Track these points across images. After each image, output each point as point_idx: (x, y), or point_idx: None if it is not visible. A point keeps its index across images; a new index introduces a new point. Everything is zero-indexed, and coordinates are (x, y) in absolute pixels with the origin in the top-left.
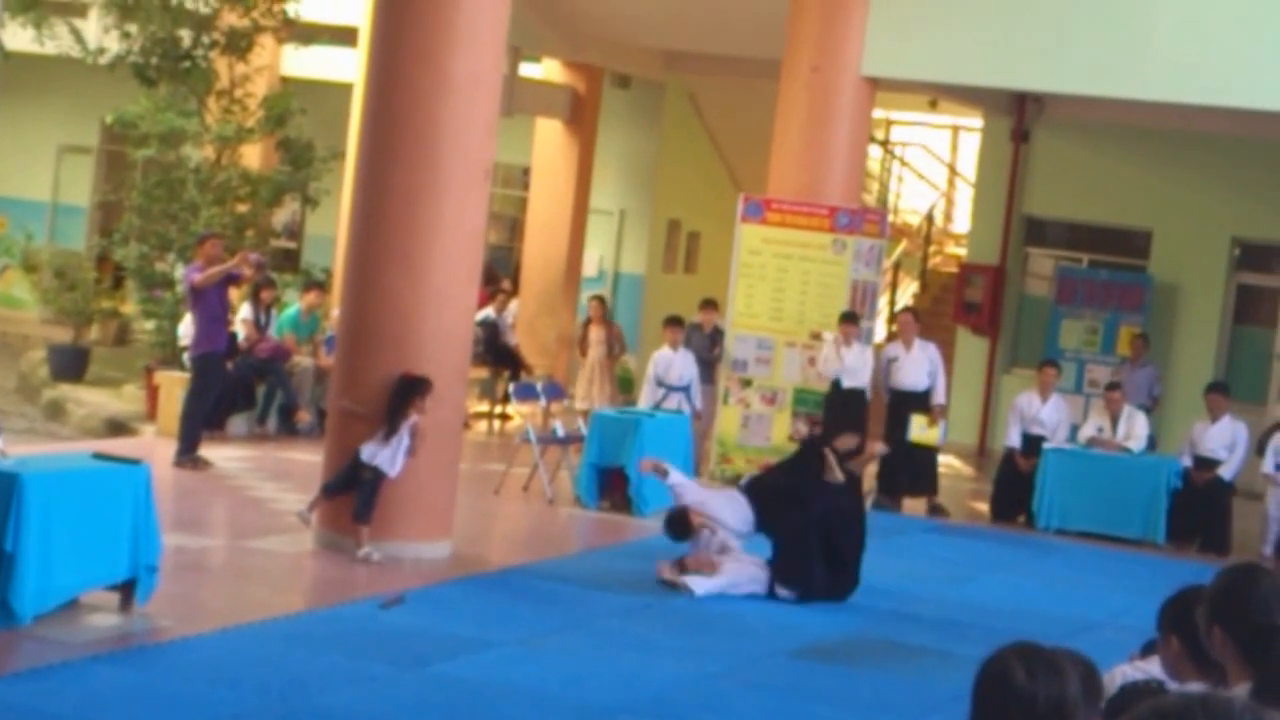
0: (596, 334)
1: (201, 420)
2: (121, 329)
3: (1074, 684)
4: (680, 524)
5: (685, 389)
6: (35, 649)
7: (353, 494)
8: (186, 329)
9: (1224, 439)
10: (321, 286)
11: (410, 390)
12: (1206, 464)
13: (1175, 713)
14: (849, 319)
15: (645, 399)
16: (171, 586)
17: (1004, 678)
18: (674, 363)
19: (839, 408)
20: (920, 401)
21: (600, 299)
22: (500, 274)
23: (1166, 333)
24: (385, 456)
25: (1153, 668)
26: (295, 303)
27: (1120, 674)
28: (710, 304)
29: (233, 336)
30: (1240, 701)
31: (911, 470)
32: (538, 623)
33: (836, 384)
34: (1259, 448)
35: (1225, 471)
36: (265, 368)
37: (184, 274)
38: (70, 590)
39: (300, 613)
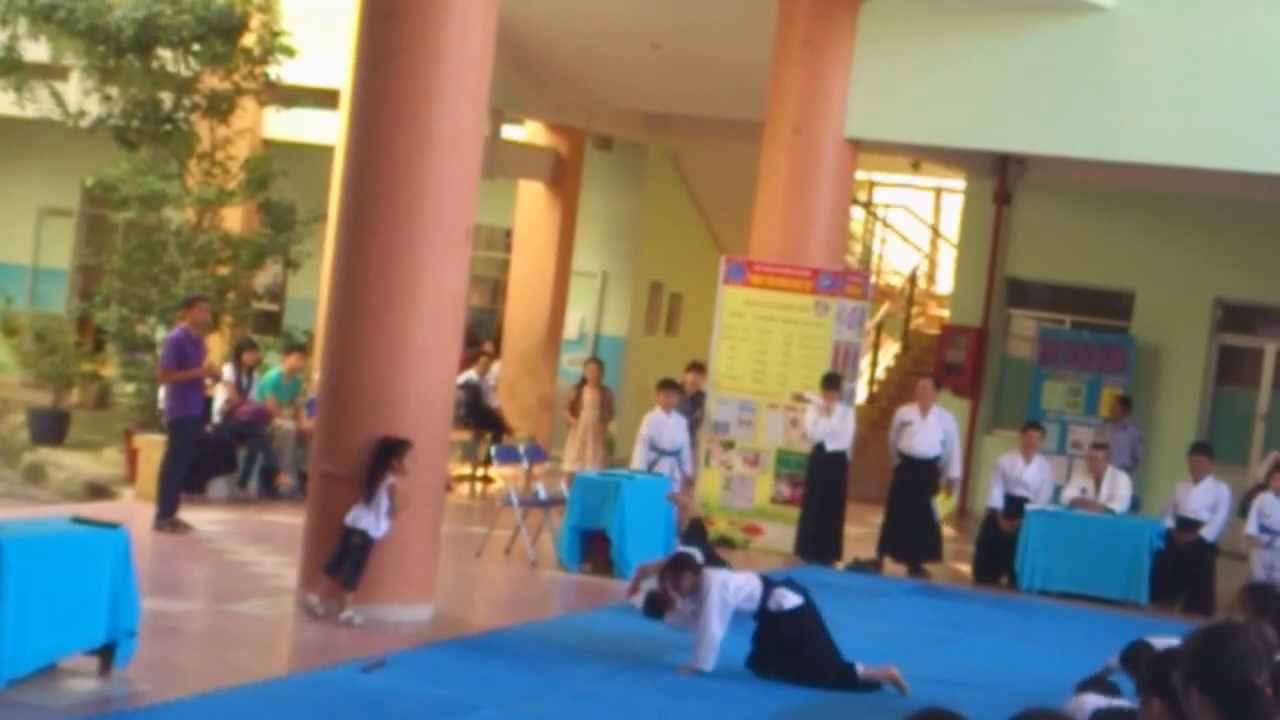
0: (591, 397)
1: (179, 483)
2: (102, 392)
3: None
4: (659, 604)
5: (676, 453)
6: (12, 714)
7: (345, 564)
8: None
9: (1206, 500)
10: (303, 349)
11: (388, 453)
12: (1189, 525)
13: None
14: (832, 384)
15: (638, 461)
16: (151, 651)
17: None
18: (666, 426)
19: (822, 471)
20: (928, 469)
21: (597, 361)
22: (482, 336)
23: (1149, 393)
24: (369, 520)
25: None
26: (277, 365)
27: (1089, 702)
28: (698, 367)
29: (208, 400)
30: None
31: (920, 540)
32: (519, 686)
33: (820, 447)
34: (1242, 509)
35: (1208, 533)
36: (246, 431)
37: (167, 336)
38: (48, 655)
39: (281, 677)
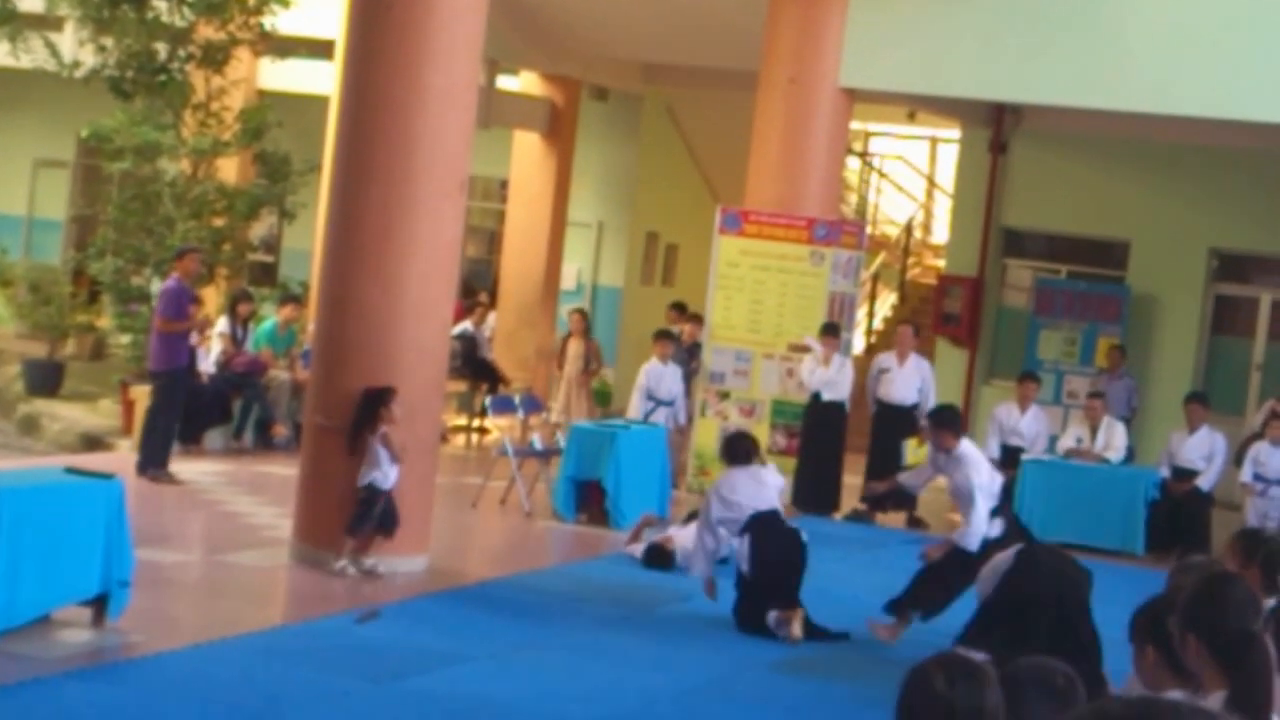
0: (575, 348)
1: (166, 436)
2: (97, 343)
3: (993, 694)
4: (660, 555)
5: (672, 403)
6: (5, 665)
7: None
8: None
9: (1202, 449)
10: (298, 300)
11: (374, 403)
12: (1184, 474)
13: (1119, 717)
14: (831, 331)
15: (634, 411)
16: (144, 602)
17: (924, 685)
18: (664, 376)
19: (819, 421)
20: (906, 416)
21: (582, 312)
22: (478, 287)
23: (1144, 344)
24: (377, 474)
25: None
26: (272, 317)
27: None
28: (693, 317)
29: (191, 352)
30: (1186, 705)
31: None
32: (514, 636)
33: (816, 397)
34: (1237, 458)
35: (1203, 482)
36: (242, 382)
37: (164, 287)
38: (41, 606)
39: (275, 627)
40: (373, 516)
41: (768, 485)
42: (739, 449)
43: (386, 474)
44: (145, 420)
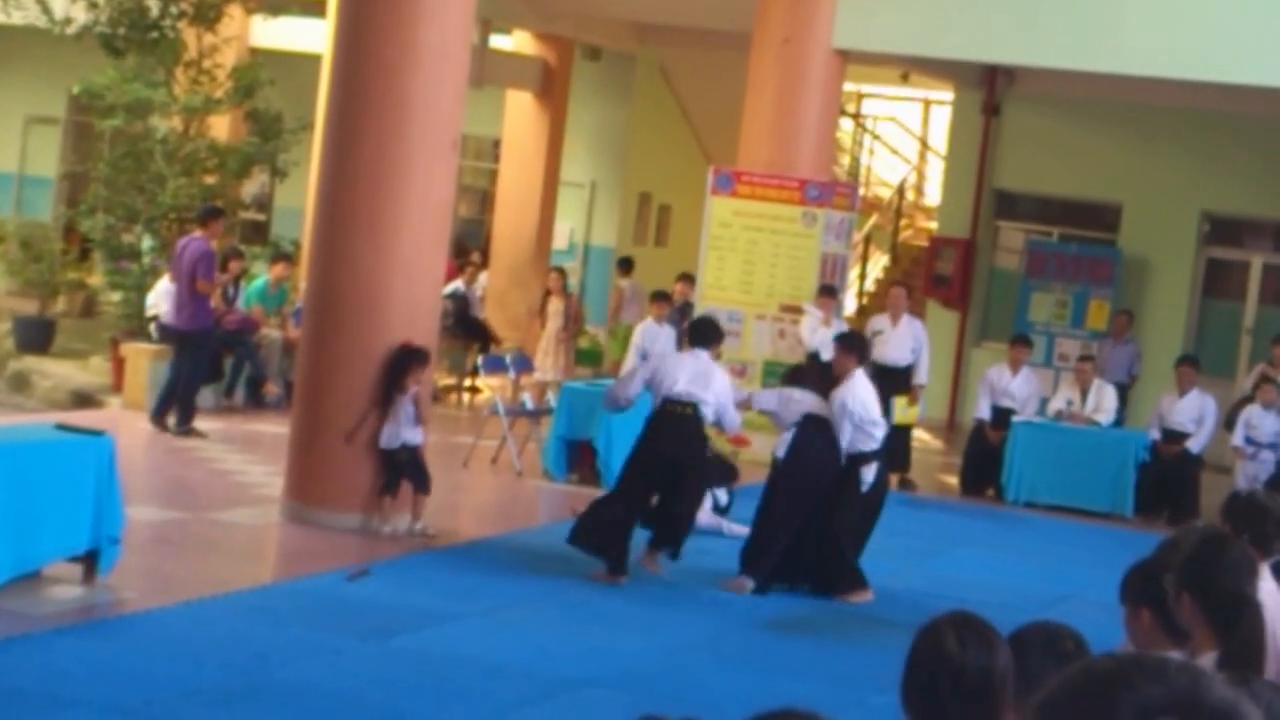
0: (555, 306)
1: (191, 392)
2: (88, 301)
3: (1003, 655)
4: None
5: None
6: None
7: (408, 480)
8: (155, 299)
9: (1192, 412)
10: (289, 258)
11: (407, 360)
12: (1174, 437)
13: (1107, 674)
14: (828, 293)
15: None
16: (135, 558)
17: (935, 645)
18: (659, 337)
19: (815, 382)
20: (899, 377)
21: (560, 270)
22: (470, 246)
23: (1136, 307)
24: (409, 434)
25: None
26: (263, 275)
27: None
28: (686, 277)
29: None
30: (1175, 662)
31: (888, 448)
32: (504, 595)
33: (814, 356)
34: (1228, 421)
35: (1193, 445)
36: (233, 340)
37: (200, 250)
38: (32, 562)
39: (265, 585)
40: (401, 475)
41: (707, 376)
42: (697, 330)
43: (416, 432)
44: (172, 377)
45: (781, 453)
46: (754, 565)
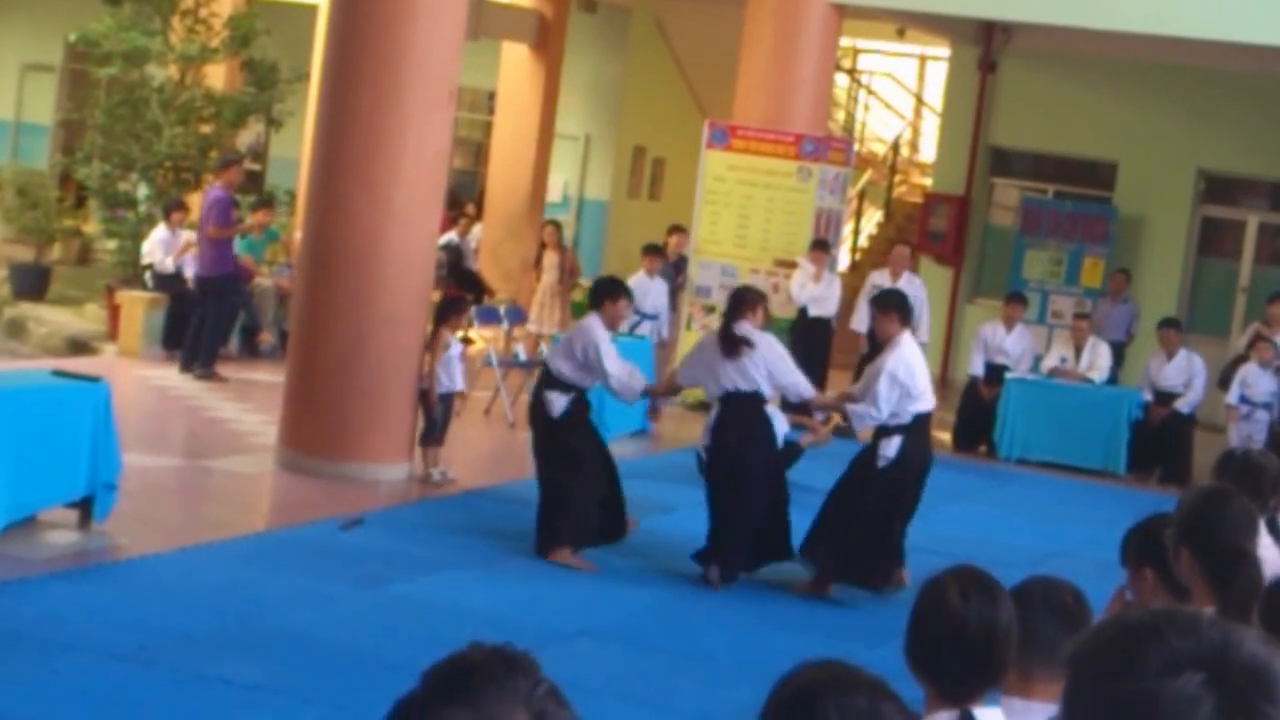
0: (550, 259)
1: (216, 338)
2: (83, 248)
3: (1006, 609)
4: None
5: (656, 317)
6: None
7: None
8: (150, 247)
9: (1180, 374)
10: (270, 204)
11: (452, 307)
12: (1166, 398)
13: (1138, 626)
14: (820, 247)
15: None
16: (130, 505)
17: (939, 599)
18: (650, 290)
19: (805, 337)
20: None
21: (555, 224)
22: (464, 198)
23: (1131, 264)
24: (445, 377)
25: None
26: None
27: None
28: (679, 229)
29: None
30: (1208, 617)
31: None
32: (497, 545)
33: (803, 312)
34: (1222, 381)
35: (1183, 405)
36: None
37: (215, 196)
38: (28, 507)
39: (259, 533)
40: (440, 422)
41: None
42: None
43: (455, 377)
44: (196, 322)
45: (705, 440)
46: (712, 559)
